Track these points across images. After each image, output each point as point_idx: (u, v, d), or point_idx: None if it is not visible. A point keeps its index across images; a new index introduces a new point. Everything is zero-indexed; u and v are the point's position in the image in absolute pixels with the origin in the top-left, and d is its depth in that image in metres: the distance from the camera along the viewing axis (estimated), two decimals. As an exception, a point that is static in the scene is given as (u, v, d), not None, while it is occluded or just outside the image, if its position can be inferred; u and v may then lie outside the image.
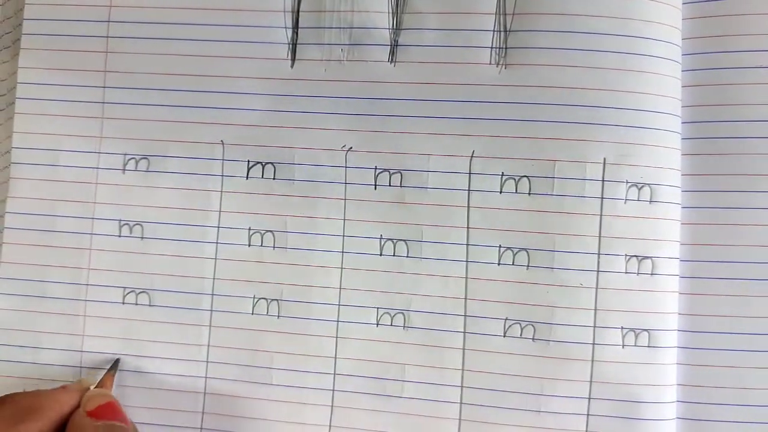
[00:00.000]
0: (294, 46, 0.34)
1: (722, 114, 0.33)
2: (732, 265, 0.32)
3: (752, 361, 0.32)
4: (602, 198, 0.32)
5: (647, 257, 0.32)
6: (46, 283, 0.35)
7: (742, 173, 0.33)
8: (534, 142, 0.32)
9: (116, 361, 0.34)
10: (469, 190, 0.33)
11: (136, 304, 0.35)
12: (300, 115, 0.34)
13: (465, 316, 0.33)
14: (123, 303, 0.35)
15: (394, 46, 0.34)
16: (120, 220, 0.35)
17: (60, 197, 0.35)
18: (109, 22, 0.35)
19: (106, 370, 0.34)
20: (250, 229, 0.34)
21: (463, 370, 0.33)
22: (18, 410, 0.30)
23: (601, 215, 0.32)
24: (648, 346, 0.32)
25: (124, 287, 0.35)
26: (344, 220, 0.34)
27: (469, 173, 0.33)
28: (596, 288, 0.32)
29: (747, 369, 0.32)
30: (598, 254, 0.32)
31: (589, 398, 0.32)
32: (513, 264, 0.33)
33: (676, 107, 0.33)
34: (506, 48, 0.33)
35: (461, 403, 0.33)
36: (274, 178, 0.34)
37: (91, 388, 0.32)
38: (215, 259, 0.34)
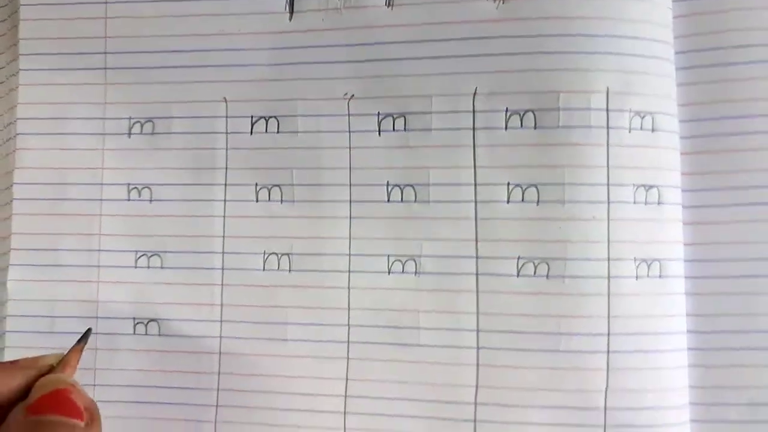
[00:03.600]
0: (291, -2, 0.34)
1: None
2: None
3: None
4: (608, 128, 0.32)
5: (653, 186, 0.31)
6: (58, 251, 0.35)
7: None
8: (536, 75, 0.32)
9: (87, 332, 0.29)
10: (473, 128, 0.33)
11: (149, 267, 0.35)
12: (300, 67, 0.34)
13: (477, 257, 0.32)
14: (135, 267, 0.35)
15: (391, -10, 0.34)
16: (128, 184, 0.35)
17: (67, 165, 0.35)
18: (107, -13, 0.35)
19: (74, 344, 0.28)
20: (256, 184, 0.34)
21: (478, 313, 0.32)
22: None
23: (608, 145, 0.32)
24: (659, 276, 0.31)
25: (136, 251, 0.35)
26: (350, 168, 0.33)
27: (473, 111, 0.33)
28: (608, 220, 0.31)
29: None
30: (608, 185, 0.31)
31: (609, 334, 0.31)
32: (522, 201, 0.32)
33: (669, 36, 0.32)
34: (503, -18, 0.33)
35: (478, 347, 0.32)
36: (278, 132, 0.34)
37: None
38: (224, 216, 0.34)
